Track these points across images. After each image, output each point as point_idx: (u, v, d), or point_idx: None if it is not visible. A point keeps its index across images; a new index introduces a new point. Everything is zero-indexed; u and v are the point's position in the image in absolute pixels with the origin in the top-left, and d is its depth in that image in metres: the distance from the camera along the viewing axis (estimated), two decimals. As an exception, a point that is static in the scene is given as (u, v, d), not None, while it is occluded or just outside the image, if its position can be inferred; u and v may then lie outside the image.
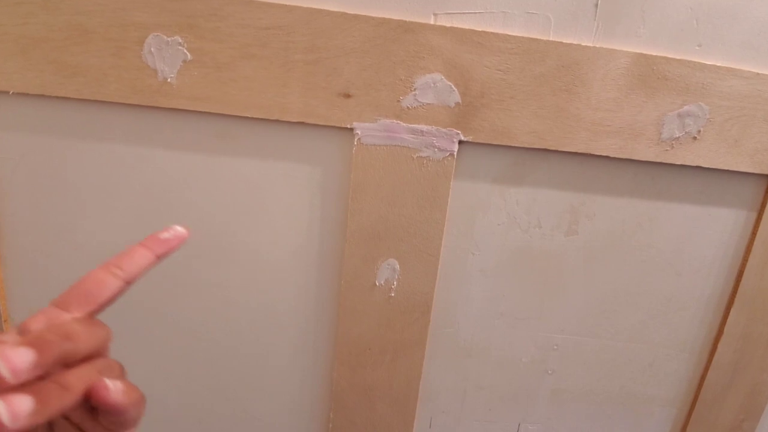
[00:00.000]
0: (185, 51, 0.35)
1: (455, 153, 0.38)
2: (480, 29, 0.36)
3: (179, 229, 0.24)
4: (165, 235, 0.23)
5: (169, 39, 0.35)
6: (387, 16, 0.35)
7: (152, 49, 0.35)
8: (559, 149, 0.39)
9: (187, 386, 0.44)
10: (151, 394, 0.43)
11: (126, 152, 0.38)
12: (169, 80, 0.35)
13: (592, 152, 0.39)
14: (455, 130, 0.38)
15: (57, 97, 0.36)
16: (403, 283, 0.42)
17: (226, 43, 0.35)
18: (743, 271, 0.45)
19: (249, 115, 0.36)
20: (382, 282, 0.42)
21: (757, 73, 0.39)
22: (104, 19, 0.34)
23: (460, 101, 0.37)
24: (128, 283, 0.22)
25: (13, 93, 0.35)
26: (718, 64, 0.38)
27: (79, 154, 0.38)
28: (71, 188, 0.39)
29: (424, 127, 0.38)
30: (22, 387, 0.16)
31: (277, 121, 0.37)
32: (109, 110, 0.37)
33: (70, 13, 0.34)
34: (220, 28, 0.34)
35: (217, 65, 0.35)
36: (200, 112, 0.36)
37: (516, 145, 0.39)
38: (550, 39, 0.37)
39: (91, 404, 0.19)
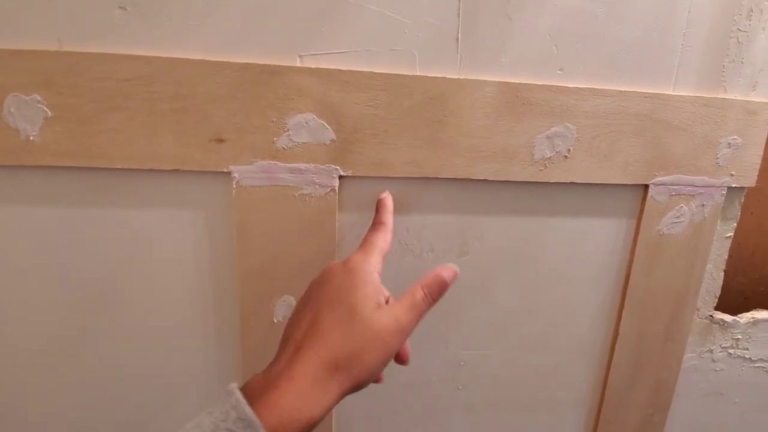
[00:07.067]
0: (45, 108, 0.34)
1: (336, 188, 0.39)
2: (346, 68, 0.37)
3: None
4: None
5: (27, 98, 0.34)
6: (250, 60, 0.36)
7: (12, 109, 0.34)
8: (439, 176, 0.40)
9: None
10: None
11: (-3, 212, 0.37)
12: (31, 138, 0.35)
13: (471, 177, 0.41)
14: (334, 166, 0.39)
15: None
16: (302, 318, 0.42)
17: (86, 98, 0.34)
18: (629, 275, 0.47)
19: (120, 167, 0.36)
20: (281, 319, 0.42)
21: (621, 91, 0.42)
22: (-37, 83, 0.33)
23: (335, 138, 0.38)
24: None
25: None
26: (581, 86, 0.41)
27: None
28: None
29: (302, 165, 0.38)
30: None
31: (151, 169, 0.37)
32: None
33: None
34: (78, 83, 0.34)
35: (80, 120, 0.35)
36: (69, 167, 0.36)
37: (396, 175, 0.40)
38: (417, 74, 0.38)
39: None
